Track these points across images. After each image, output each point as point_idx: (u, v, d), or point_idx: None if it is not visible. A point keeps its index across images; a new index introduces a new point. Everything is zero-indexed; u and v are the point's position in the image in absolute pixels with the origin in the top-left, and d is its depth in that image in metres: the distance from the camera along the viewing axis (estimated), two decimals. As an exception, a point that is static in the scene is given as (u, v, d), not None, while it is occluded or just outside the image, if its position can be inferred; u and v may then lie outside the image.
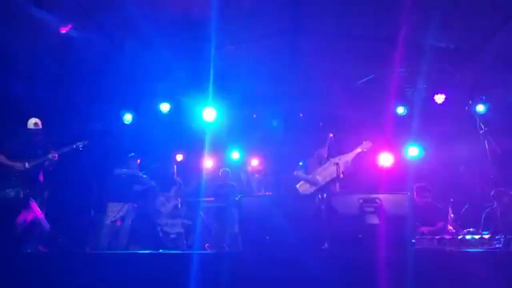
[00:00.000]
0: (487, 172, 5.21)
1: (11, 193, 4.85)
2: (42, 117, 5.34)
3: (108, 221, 6.21)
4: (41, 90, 6.04)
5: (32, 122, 5.18)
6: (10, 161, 4.89)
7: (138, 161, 6.74)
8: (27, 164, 4.98)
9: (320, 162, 5.77)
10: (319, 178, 5.57)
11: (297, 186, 5.75)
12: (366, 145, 5.68)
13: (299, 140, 7.68)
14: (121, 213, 6.29)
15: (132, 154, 6.73)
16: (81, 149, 5.59)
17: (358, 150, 5.67)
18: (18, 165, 4.93)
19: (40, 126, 5.23)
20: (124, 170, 6.54)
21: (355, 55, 6.99)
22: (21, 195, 4.87)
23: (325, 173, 5.54)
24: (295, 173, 5.85)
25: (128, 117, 7.52)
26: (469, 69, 6.92)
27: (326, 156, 5.70)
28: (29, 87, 5.88)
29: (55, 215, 5.77)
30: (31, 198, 4.93)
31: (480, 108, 6.64)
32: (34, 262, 3.29)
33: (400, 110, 6.97)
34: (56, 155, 5.24)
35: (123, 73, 6.92)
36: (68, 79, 6.56)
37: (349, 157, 5.63)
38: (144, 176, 6.96)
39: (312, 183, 5.60)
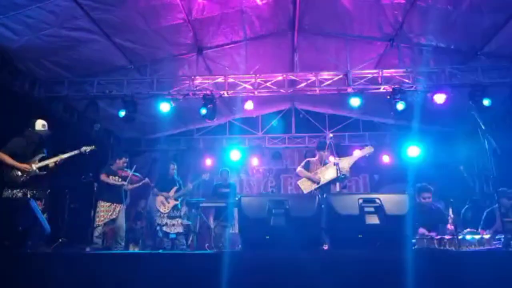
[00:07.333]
0: (487, 172, 5.19)
1: (19, 193, 4.88)
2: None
3: (100, 222, 6.19)
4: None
5: (40, 123, 5.21)
6: (19, 163, 4.91)
7: (124, 160, 6.66)
8: (34, 166, 5.01)
9: (322, 162, 5.86)
10: (320, 176, 5.65)
11: (298, 182, 5.82)
12: (368, 150, 5.73)
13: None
14: (113, 216, 6.26)
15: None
16: (87, 153, 5.65)
17: (360, 154, 5.72)
18: (26, 166, 4.95)
19: (46, 128, 5.27)
20: (111, 181, 6.43)
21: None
22: (28, 196, 4.90)
23: (327, 172, 5.63)
24: (297, 170, 5.91)
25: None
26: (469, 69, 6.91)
27: (327, 156, 5.77)
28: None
29: (55, 215, 5.78)
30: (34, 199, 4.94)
31: (485, 102, 6.57)
32: (34, 262, 3.29)
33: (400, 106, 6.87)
34: (63, 158, 5.30)
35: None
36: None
37: (350, 160, 5.68)
38: (137, 174, 6.95)
39: (313, 181, 5.68)
